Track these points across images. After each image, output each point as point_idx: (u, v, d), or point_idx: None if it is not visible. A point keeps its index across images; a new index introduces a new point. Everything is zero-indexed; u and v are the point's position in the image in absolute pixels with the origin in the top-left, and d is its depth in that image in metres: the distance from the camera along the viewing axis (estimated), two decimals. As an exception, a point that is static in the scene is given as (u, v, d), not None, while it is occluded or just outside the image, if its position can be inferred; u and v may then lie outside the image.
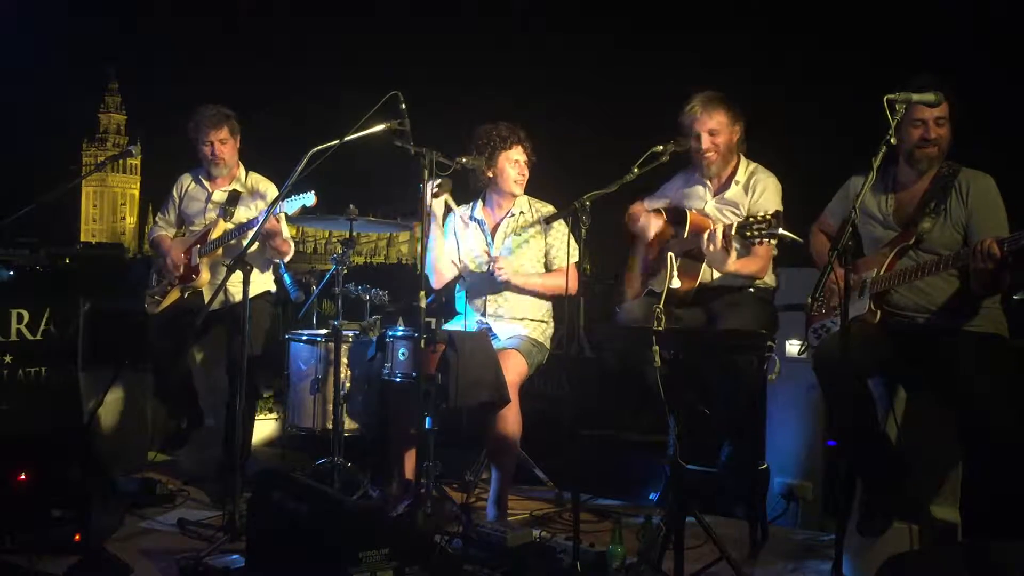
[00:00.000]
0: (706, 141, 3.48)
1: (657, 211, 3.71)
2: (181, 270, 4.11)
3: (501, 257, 3.71)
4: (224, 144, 4.10)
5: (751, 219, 3.00)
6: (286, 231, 4.15)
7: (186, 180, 4.30)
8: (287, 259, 4.16)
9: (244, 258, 3.28)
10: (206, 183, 4.21)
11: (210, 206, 4.18)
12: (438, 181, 3.52)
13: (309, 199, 3.70)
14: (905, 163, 3.03)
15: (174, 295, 4.12)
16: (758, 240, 2.99)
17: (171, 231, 4.32)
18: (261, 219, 3.71)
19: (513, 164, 3.76)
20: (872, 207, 3.09)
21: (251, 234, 3.68)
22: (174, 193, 4.32)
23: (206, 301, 3.94)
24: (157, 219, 4.39)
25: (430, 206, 3.56)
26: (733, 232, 3.07)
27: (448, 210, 3.90)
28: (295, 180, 3.33)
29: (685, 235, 3.40)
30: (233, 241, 3.99)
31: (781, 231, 2.94)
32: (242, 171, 4.23)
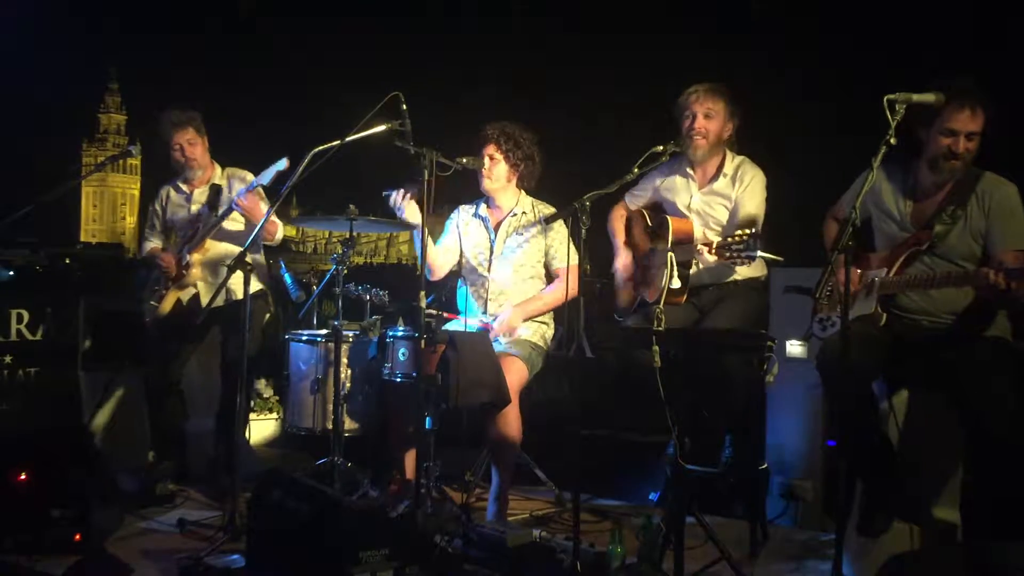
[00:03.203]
0: (699, 121, 3.47)
1: (639, 212, 3.72)
2: (174, 269, 4.10)
3: (493, 327, 3.69)
4: (193, 145, 4.11)
5: (729, 239, 2.94)
6: (265, 207, 4.05)
7: (165, 192, 4.30)
8: (278, 237, 4.12)
9: (244, 258, 3.28)
10: (184, 188, 4.23)
11: (194, 207, 4.19)
12: (401, 190, 3.60)
13: (281, 164, 3.64)
14: (927, 167, 2.94)
15: (171, 299, 4.11)
16: (738, 261, 2.94)
17: (159, 243, 4.31)
18: (238, 196, 3.80)
19: (486, 160, 3.77)
20: (890, 205, 3.04)
21: (243, 230, 3.67)
22: (156, 207, 4.32)
23: (204, 303, 3.94)
24: (146, 233, 4.38)
25: (403, 213, 3.62)
26: (712, 252, 3.03)
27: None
28: (297, 181, 3.33)
29: (669, 243, 3.39)
30: (215, 231, 3.97)
31: (760, 252, 2.89)
32: (217, 169, 4.24)
